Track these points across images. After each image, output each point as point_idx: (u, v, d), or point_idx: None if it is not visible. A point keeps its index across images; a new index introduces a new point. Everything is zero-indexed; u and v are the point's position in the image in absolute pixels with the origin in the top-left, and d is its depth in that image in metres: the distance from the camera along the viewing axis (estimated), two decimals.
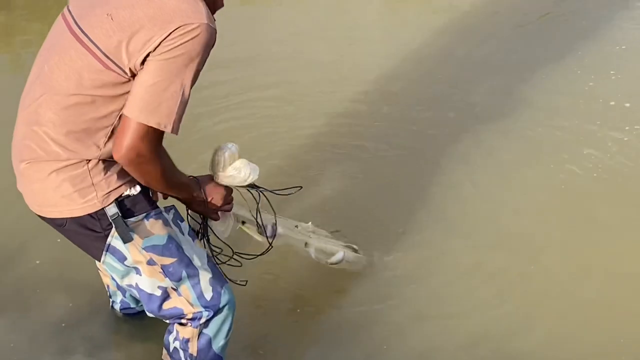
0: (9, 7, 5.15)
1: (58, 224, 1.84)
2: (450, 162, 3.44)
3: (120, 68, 1.65)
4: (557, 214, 3.10)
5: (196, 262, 1.93)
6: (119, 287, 2.37)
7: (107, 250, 1.84)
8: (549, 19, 5.00)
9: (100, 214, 1.79)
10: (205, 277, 1.94)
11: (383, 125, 3.78)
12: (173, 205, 1.97)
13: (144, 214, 1.84)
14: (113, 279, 2.14)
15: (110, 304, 2.52)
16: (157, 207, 1.90)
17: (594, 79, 4.11)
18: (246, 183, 2.02)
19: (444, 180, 3.32)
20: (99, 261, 1.88)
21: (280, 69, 4.27)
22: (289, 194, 2.23)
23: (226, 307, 2.01)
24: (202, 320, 1.99)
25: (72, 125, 1.70)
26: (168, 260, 1.87)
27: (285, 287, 2.71)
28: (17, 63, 4.52)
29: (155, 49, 1.62)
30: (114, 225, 1.79)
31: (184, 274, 1.90)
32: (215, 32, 1.71)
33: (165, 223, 1.88)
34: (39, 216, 1.86)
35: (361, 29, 4.90)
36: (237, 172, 1.99)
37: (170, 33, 1.61)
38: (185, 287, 1.92)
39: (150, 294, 1.92)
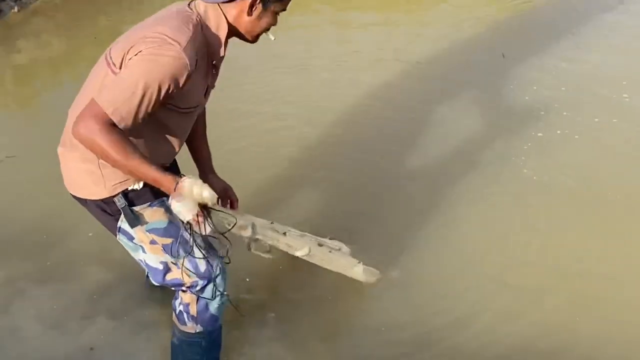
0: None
1: (82, 203, 2.17)
2: None
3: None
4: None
5: (191, 241, 2.20)
6: None
7: (118, 231, 2.17)
8: None
9: (110, 201, 2.09)
10: (199, 253, 2.21)
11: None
12: None
13: (148, 203, 2.13)
14: None
15: (146, 273, 2.78)
16: (161, 197, 2.14)
17: None
18: (188, 216, 2.02)
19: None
20: (115, 236, 2.20)
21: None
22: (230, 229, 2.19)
23: (219, 277, 2.29)
24: (198, 288, 2.28)
25: None
26: (168, 241, 2.17)
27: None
28: None
29: (133, 53, 1.87)
30: (122, 213, 2.10)
31: (181, 251, 2.19)
32: (184, 62, 1.85)
33: (167, 210, 2.15)
34: (70, 193, 2.17)
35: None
36: (176, 207, 2.00)
37: (148, 46, 1.85)
38: (183, 261, 2.21)
39: (155, 268, 2.23)
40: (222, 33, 2.01)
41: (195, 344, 2.43)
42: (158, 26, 1.90)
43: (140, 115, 1.89)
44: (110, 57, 1.96)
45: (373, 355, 2.64)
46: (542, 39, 5.02)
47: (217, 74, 2.17)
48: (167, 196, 2.12)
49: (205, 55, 2.02)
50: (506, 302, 2.83)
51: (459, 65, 4.67)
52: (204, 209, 2.07)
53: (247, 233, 2.32)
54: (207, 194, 1.98)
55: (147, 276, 2.80)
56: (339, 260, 2.58)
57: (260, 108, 4.13)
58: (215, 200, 2.04)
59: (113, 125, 1.87)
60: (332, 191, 3.46)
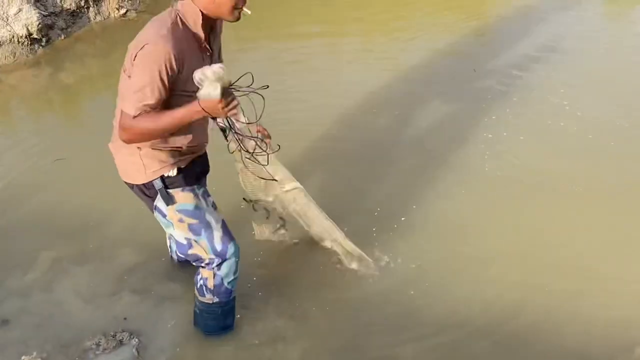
0: None
1: (129, 187, 2.58)
2: None
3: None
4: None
5: (213, 224, 2.59)
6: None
7: (155, 209, 2.57)
8: None
9: (149, 185, 2.50)
10: (217, 235, 2.60)
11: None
12: (203, 186, 2.67)
13: (180, 188, 2.52)
14: None
15: (170, 254, 3.22)
16: (192, 184, 2.55)
17: None
18: (214, 97, 2.18)
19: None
20: (152, 213, 2.59)
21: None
22: (258, 93, 2.30)
23: (232, 256, 2.66)
24: (214, 264, 2.65)
25: None
26: (193, 221, 2.55)
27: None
28: None
29: (132, 58, 2.23)
30: (159, 194, 2.51)
31: (203, 232, 2.57)
32: (166, 49, 2.18)
33: (195, 196, 2.56)
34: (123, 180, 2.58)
35: None
36: (200, 89, 2.20)
37: (137, 50, 2.21)
38: (203, 241, 2.59)
39: (180, 242, 2.61)
40: (198, 20, 2.29)
41: (213, 312, 2.83)
42: (142, 36, 2.27)
43: (156, 97, 2.23)
44: (124, 66, 2.36)
45: (374, 323, 2.99)
46: (503, 48, 5.40)
47: (213, 55, 2.43)
48: (196, 184, 2.56)
49: (193, 41, 2.32)
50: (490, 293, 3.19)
51: (433, 71, 5.06)
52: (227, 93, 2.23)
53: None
54: (214, 67, 2.17)
55: (171, 255, 3.22)
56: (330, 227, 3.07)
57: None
58: (223, 71, 2.18)
59: (138, 116, 2.26)
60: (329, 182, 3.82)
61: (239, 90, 2.26)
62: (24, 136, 4.47)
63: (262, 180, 2.92)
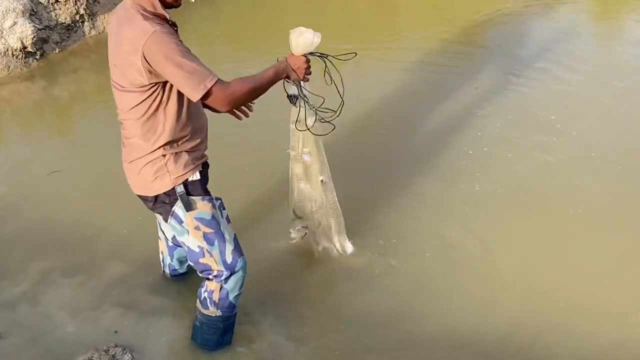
0: None
1: (148, 201, 2.61)
2: None
3: (139, 87, 2.36)
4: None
5: (226, 236, 2.65)
6: (169, 253, 3.06)
7: (172, 215, 2.59)
8: None
9: (171, 192, 2.54)
10: (229, 248, 2.66)
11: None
12: (220, 198, 2.71)
13: (201, 197, 2.58)
14: (167, 243, 2.99)
15: (162, 269, 3.18)
16: (210, 194, 2.63)
17: None
18: (311, 48, 2.61)
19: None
20: (166, 222, 2.60)
21: None
22: (346, 59, 2.70)
23: (240, 270, 2.70)
24: (223, 277, 2.68)
25: (141, 128, 2.47)
26: (209, 230, 2.61)
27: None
28: None
29: (147, 62, 2.29)
30: (179, 199, 2.54)
31: (216, 242, 2.62)
32: (164, 27, 2.30)
33: (213, 206, 2.63)
34: (138, 195, 2.62)
35: None
36: (299, 38, 2.57)
37: (143, 53, 2.28)
38: (216, 252, 2.64)
39: (193, 250, 2.64)
40: (156, 3, 2.39)
41: (214, 326, 2.81)
42: (134, 30, 2.31)
43: (203, 64, 2.33)
44: (117, 82, 2.43)
45: (371, 347, 2.93)
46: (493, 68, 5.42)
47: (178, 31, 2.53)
48: (214, 196, 2.66)
49: (164, 22, 2.39)
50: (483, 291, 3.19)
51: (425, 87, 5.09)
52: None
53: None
54: (310, 33, 2.57)
55: (164, 269, 3.19)
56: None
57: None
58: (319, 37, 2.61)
59: (221, 83, 2.35)
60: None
61: (322, 56, 2.70)
62: (17, 149, 4.46)
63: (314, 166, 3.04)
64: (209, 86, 2.32)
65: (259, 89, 2.49)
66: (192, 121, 2.53)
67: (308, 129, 2.84)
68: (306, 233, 3.28)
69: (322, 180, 3.07)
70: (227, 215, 2.75)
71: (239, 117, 2.80)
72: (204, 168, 2.66)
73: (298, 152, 3.01)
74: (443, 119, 4.63)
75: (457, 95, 4.92)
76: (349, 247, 3.31)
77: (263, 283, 3.20)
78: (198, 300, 2.81)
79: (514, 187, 3.88)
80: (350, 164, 4.05)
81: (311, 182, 3.09)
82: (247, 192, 3.81)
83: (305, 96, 2.76)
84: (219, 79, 2.35)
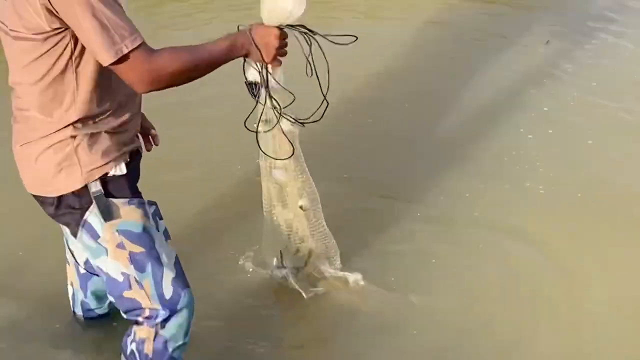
0: None
1: (48, 203, 1.96)
2: None
3: (37, 32, 1.76)
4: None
5: (164, 259, 2.01)
6: (82, 285, 2.42)
7: (82, 226, 1.95)
8: None
9: (83, 192, 1.91)
10: (168, 275, 2.01)
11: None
12: (155, 202, 2.08)
13: (127, 199, 1.96)
14: (78, 270, 2.34)
15: (72, 308, 2.50)
16: (141, 197, 2.01)
17: None
18: (290, 19, 1.95)
19: None
20: (75, 237, 1.98)
21: None
22: (343, 44, 2.02)
23: (184, 310, 2.06)
24: (158, 320, 2.04)
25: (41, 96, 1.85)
26: (137, 249, 1.98)
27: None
28: None
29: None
30: (95, 203, 1.91)
31: (149, 267, 1.99)
32: None
33: (145, 214, 2.00)
34: (34, 196, 1.98)
35: None
36: (274, 3, 1.92)
37: None
38: (148, 281, 2.00)
39: (114, 278, 2.00)
40: None
41: None
42: None
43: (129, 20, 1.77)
44: (5, 23, 1.81)
45: None
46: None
47: None
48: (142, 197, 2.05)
49: None
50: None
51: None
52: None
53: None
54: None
55: (74, 310, 2.54)
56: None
57: None
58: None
59: (147, 49, 1.78)
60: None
61: (307, 33, 2.03)
62: None
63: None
64: (128, 49, 1.74)
65: (200, 67, 1.88)
66: (117, 89, 1.93)
67: (283, 133, 2.22)
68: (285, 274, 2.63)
69: (301, 207, 2.45)
70: (166, 228, 2.12)
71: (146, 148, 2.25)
72: (134, 159, 2.06)
73: (267, 167, 2.37)
74: (491, 92, 4.02)
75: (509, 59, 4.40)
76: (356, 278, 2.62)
77: (224, 337, 2.48)
78: (122, 355, 2.15)
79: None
80: (362, 158, 3.41)
81: (288, 208, 2.48)
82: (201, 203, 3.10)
83: (270, 87, 2.11)
84: (144, 42, 1.77)
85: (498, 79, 4.20)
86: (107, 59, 1.73)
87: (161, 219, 2.11)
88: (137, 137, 2.08)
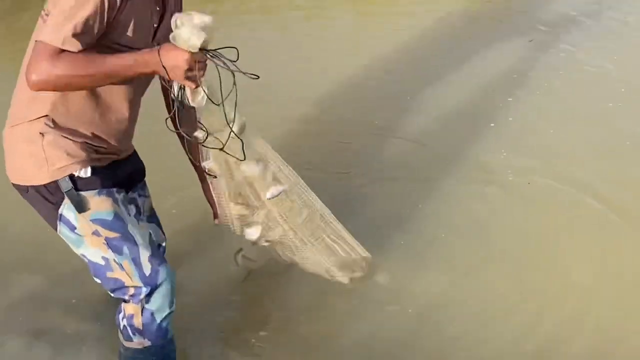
0: None
1: (23, 192, 2.03)
2: None
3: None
4: None
5: (138, 240, 2.08)
6: None
7: (60, 221, 2.02)
8: None
9: (54, 187, 1.97)
10: (145, 254, 2.08)
11: None
12: (123, 189, 2.16)
13: (97, 190, 2.02)
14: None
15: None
16: (109, 186, 2.06)
17: None
18: (191, 48, 1.83)
19: None
20: (57, 231, 2.05)
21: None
22: (251, 75, 1.90)
23: (164, 282, 2.13)
24: (142, 296, 2.11)
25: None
26: (112, 234, 2.04)
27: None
28: None
29: None
30: (66, 198, 1.97)
31: (125, 249, 2.06)
32: None
33: (115, 202, 2.06)
34: (13, 185, 2.04)
35: None
36: (178, 29, 1.82)
37: None
38: (127, 261, 2.07)
39: (95, 262, 2.08)
40: None
41: None
42: None
43: (92, 33, 1.78)
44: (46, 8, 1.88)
45: None
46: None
47: (166, 12, 2.02)
48: (115, 187, 2.09)
49: None
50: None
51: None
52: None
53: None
54: (204, 15, 1.82)
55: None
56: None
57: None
58: (212, 23, 1.84)
59: (62, 50, 1.75)
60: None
61: (216, 60, 1.89)
62: None
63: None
64: (65, 46, 1.76)
65: (96, 77, 1.84)
66: (105, 107, 2.00)
67: (222, 149, 2.10)
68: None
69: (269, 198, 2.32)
70: (136, 212, 2.28)
71: None
72: (118, 166, 2.16)
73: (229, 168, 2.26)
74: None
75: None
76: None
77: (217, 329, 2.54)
78: (118, 331, 2.23)
79: None
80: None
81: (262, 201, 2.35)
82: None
83: (184, 104, 1.99)
84: (85, 50, 1.78)
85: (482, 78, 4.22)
86: (42, 38, 1.76)
87: (132, 204, 2.23)
88: (113, 154, 2.10)
